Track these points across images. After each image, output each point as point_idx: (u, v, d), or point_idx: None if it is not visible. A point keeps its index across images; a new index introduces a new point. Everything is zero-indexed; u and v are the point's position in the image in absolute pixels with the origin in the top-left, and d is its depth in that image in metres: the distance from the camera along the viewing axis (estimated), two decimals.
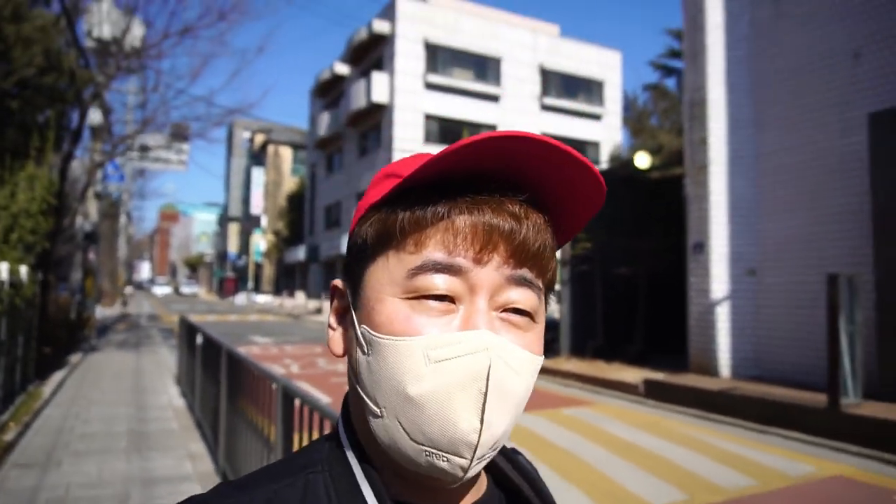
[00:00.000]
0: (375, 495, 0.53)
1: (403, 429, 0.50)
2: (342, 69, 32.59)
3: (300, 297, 37.54)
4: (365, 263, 0.55)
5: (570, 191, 0.55)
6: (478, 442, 0.49)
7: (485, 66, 29.18)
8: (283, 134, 48.76)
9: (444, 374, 0.49)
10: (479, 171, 0.52)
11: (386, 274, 0.53)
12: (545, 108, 30.54)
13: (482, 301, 0.51)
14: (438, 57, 28.09)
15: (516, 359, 0.51)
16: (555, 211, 0.57)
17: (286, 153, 48.66)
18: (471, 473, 0.50)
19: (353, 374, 0.56)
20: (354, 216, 0.59)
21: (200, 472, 5.00)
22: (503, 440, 0.52)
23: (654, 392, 8.58)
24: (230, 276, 59.69)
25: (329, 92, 35.59)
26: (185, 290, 64.97)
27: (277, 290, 46.63)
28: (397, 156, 26.53)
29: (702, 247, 9.47)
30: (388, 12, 28.04)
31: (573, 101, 31.38)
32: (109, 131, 13.37)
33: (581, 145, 30.25)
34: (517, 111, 29.42)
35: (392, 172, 0.56)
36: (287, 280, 44.41)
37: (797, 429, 6.56)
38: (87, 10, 12.94)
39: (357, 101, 28.56)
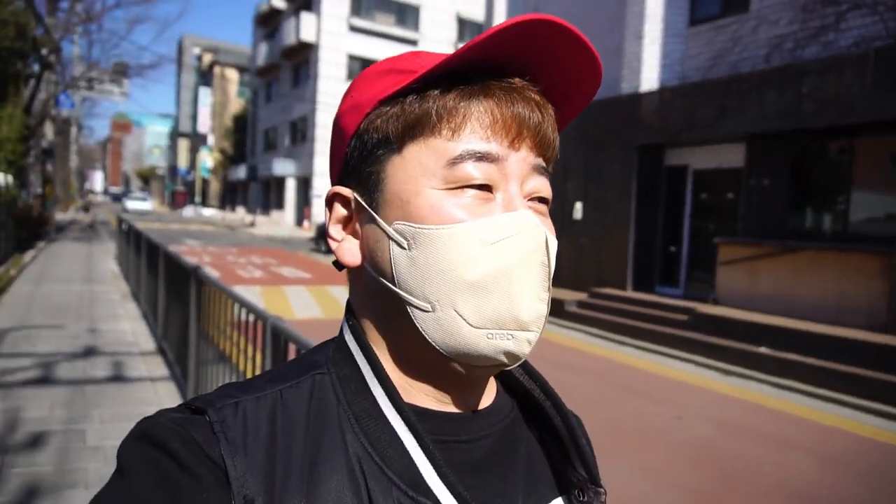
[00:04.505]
0: (387, 395, 0.52)
1: (461, 317, 0.49)
2: (278, 3, 35.38)
3: (240, 211, 41.60)
4: (386, 158, 0.53)
5: (574, 81, 0.55)
6: (545, 311, 0.50)
7: (405, 12, 32.57)
8: (230, 56, 50.99)
9: (501, 253, 0.49)
10: (490, 61, 0.51)
11: (419, 166, 0.51)
12: None
13: (515, 187, 0.52)
14: (362, 2, 31.30)
15: (554, 241, 0.52)
16: (558, 102, 0.56)
17: (232, 75, 51.08)
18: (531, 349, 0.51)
19: (383, 275, 0.53)
20: (349, 118, 0.56)
21: (122, 292, 9.61)
22: None
23: None
24: (181, 189, 62.73)
25: (268, 23, 38.33)
26: (133, 205, 45.52)
27: (223, 205, 50.38)
28: (323, 90, 30.31)
29: None
30: None
31: None
32: (62, 72, 17.09)
33: None
34: None
35: (391, 68, 0.54)
36: (232, 196, 48.17)
37: None
38: None
39: (288, 37, 31.79)
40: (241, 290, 5.83)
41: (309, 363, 0.56)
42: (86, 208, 26.67)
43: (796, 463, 4.52)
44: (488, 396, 0.59)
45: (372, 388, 0.52)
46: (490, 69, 0.52)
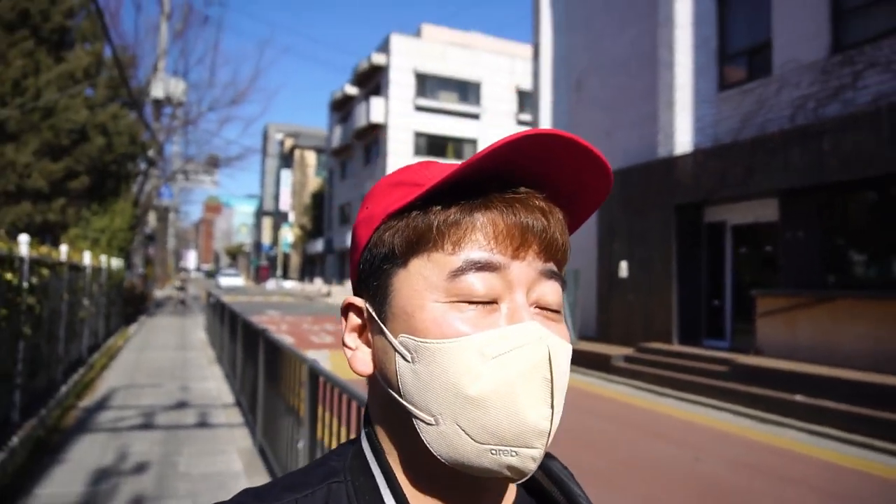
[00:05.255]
0: None
1: (464, 431, 0.49)
2: (351, 90, 38.49)
3: (318, 282, 43.90)
4: (392, 272, 0.54)
5: (583, 184, 0.56)
6: (550, 430, 0.48)
7: (467, 90, 34.63)
8: (308, 139, 55.18)
9: (503, 368, 0.48)
10: (495, 171, 0.53)
11: (422, 280, 0.52)
12: (521, 122, 35.77)
13: (521, 296, 0.52)
14: (427, 83, 33.67)
15: (564, 350, 0.51)
16: (567, 205, 0.57)
17: (311, 157, 55.04)
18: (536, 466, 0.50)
19: (390, 387, 0.54)
20: (363, 230, 0.58)
21: (209, 357, 10.87)
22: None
23: None
24: (264, 264, 66.74)
25: (342, 108, 41.58)
26: (226, 281, 47.72)
27: (302, 277, 53.22)
28: (392, 166, 32.37)
29: None
30: (385, 46, 33.72)
31: None
32: (164, 167, 19.72)
33: None
34: (495, 127, 34.77)
35: (401, 181, 0.56)
36: (310, 268, 50.93)
37: None
38: (150, 81, 19.08)
39: (359, 120, 34.42)
40: (312, 353, 6.78)
41: (327, 470, 0.56)
42: (181, 287, 29.15)
43: (802, 498, 4.82)
44: (508, 500, 0.59)
45: (385, 499, 0.53)
46: (496, 179, 0.53)
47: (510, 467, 0.49)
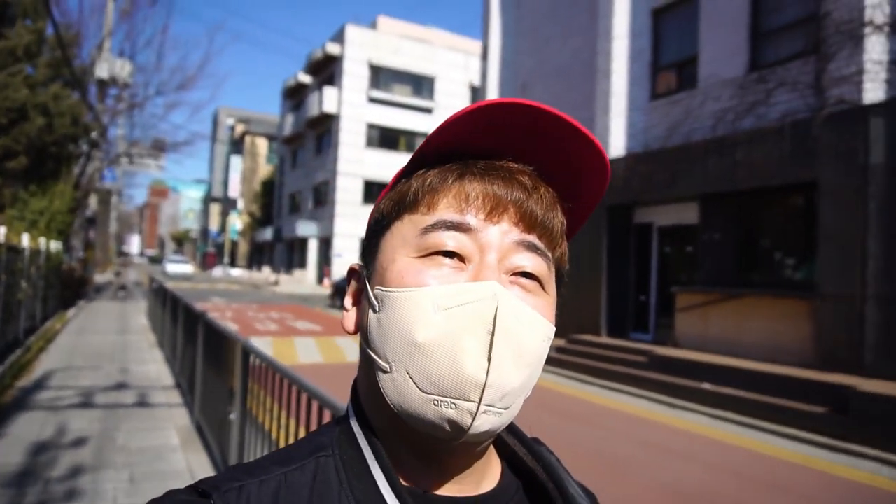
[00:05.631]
0: (387, 479, 0.52)
1: (412, 379, 0.50)
2: (304, 78, 38.19)
3: (266, 271, 43.48)
4: (381, 234, 0.58)
5: (577, 168, 0.57)
6: (485, 382, 0.48)
7: (421, 84, 34.90)
8: (260, 125, 54.33)
9: (452, 319, 0.49)
10: (492, 148, 0.55)
11: (399, 237, 0.55)
12: None
13: (491, 258, 0.53)
14: (381, 75, 33.77)
15: (525, 313, 0.52)
16: (566, 194, 0.59)
17: (262, 143, 54.23)
18: (479, 424, 0.49)
19: (364, 339, 0.56)
20: (379, 201, 0.61)
21: (150, 341, 10.93)
22: (514, 399, 0.52)
23: None
24: (211, 251, 65.37)
25: (294, 96, 41.19)
26: (174, 268, 44.89)
27: (250, 265, 52.52)
28: (343, 156, 32.39)
29: None
30: (340, 36, 33.63)
31: None
32: (107, 150, 19.33)
33: None
34: None
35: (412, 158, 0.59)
36: (258, 256, 50.31)
37: None
38: (95, 61, 18.64)
39: (312, 109, 34.25)
40: (255, 341, 7.03)
41: (315, 445, 0.57)
42: (117, 273, 28.61)
43: (684, 468, 5.45)
44: (493, 479, 0.60)
45: (373, 472, 0.53)
46: (485, 154, 0.56)
47: (450, 421, 0.49)
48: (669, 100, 11.11)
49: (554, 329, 0.56)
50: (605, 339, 11.05)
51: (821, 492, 5.15)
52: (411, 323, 0.51)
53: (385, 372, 0.53)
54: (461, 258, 0.53)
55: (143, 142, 19.96)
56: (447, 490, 0.56)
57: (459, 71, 35.95)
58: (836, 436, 6.53)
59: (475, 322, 0.49)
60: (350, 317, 0.61)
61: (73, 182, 14.56)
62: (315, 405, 2.36)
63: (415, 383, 0.50)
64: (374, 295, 0.55)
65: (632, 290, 11.66)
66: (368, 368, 0.56)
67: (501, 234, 0.54)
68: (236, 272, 48.72)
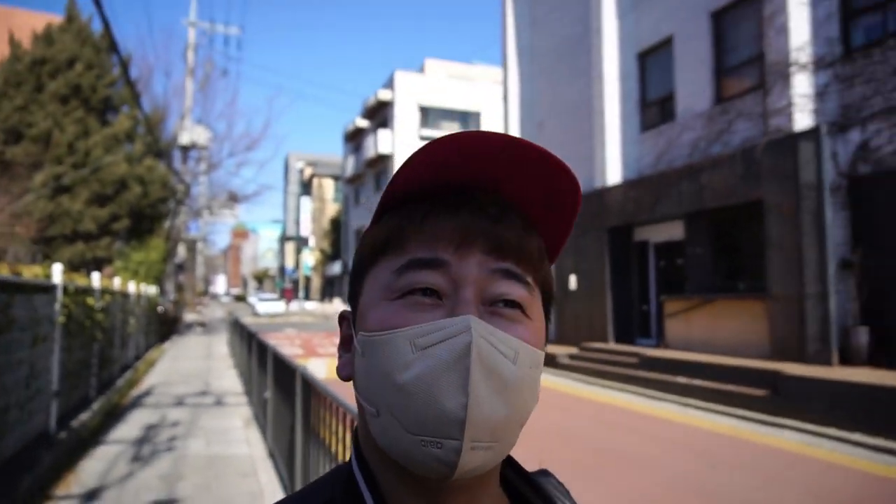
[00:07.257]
0: None
1: (398, 421, 0.50)
2: (362, 123, 41.33)
3: (336, 302, 46.54)
4: (361, 280, 0.58)
5: (548, 188, 0.56)
6: (465, 418, 0.47)
7: (467, 119, 37.16)
8: (325, 168, 58.32)
9: (429, 358, 0.49)
10: (459, 182, 0.55)
11: (376, 281, 0.55)
12: None
13: (467, 293, 0.52)
14: (429, 115, 36.31)
15: (504, 343, 0.51)
16: (540, 221, 0.59)
17: (328, 184, 58.10)
18: (467, 461, 0.49)
19: (354, 385, 0.56)
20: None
21: (228, 364, 13.29)
22: (504, 432, 0.51)
23: None
24: (289, 286, 69.72)
25: (354, 139, 44.47)
26: (265, 308, 42.55)
27: (322, 298, 55.98)
28: None
29: None
30: (390, 83, 36.51)
31: None
32: (190, 205, 22.70)
33: None
34: None
35: None
36: (329, 289, 53.67)
37: None
38: (177, 131, 21.96)
39: (369, 150, 37.17)
40: (313, 360, 8.98)
41: (320, 500, 0.57)
42: (198, 312, 31.85)
43: (653, 450, 6.97)
44: None
45: None
46: (457, 188, 0.56)
47: (437, 460, 0.48)
48: (656, 131, 12.60)
49: (542, 354, 0.56)
50: (612, 346, 12.47)
51: (737, 457, 6.56)
52: (391, 366, 0.50)
53: (374, 416, 0.52)
54: (438, 295, 0.53)
55: (219, 196, 23.35)
56: None
57: (501, 103, 37.93)
58: (770, 412, 7.83)
59: (451, 358, 0.48)
60: (343, 364, 0.61)
61: (164, 236, 17.56)
62: (349, 418, 2.71)
63: (402, 426, 0.50)
64: (358, 340, 0.55)
65: (635, 300, 13.04)
66: (362, 413, 0.56)
67: (476, 266, 0.53)
68: (310, 305, 52.14)
